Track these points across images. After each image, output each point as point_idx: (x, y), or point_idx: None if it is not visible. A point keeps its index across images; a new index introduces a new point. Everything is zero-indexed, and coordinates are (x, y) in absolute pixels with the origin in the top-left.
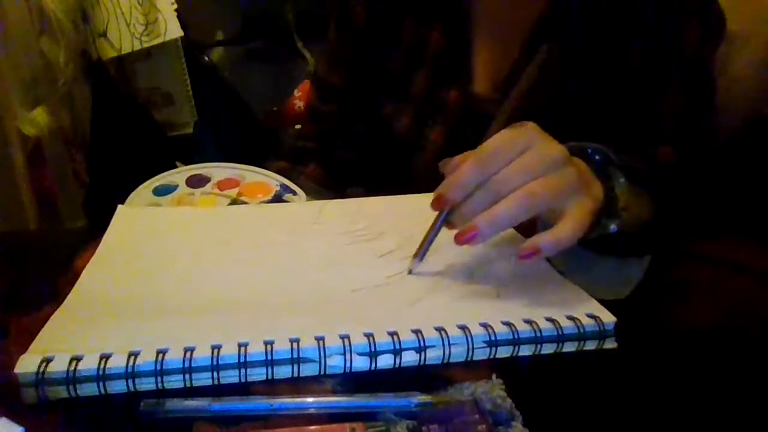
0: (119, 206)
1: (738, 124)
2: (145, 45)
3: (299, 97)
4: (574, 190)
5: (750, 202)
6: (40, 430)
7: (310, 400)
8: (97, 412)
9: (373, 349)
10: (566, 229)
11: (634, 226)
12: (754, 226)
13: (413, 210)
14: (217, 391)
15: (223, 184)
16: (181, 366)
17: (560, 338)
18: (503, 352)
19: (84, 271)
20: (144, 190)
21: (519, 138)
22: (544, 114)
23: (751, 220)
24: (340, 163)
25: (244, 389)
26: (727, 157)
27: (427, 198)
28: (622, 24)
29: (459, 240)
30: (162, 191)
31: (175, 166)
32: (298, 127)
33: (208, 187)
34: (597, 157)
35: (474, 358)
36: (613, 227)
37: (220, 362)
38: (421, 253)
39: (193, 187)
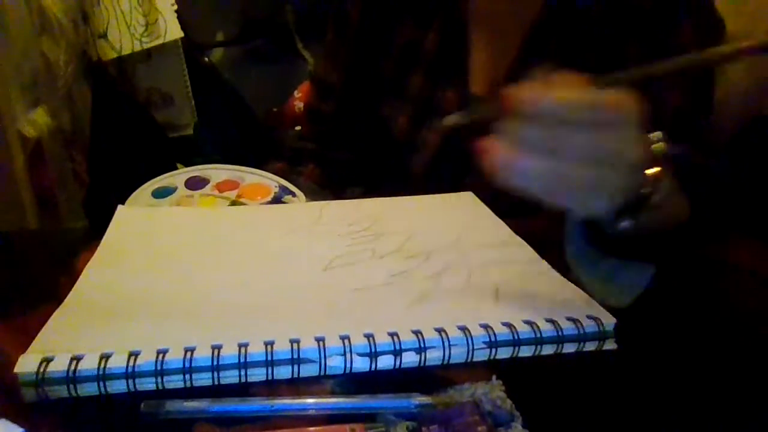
0: (119, 206)
1: (737, 125)
2: (146, 46)
3: (299, 97)
4: (607, 195)
5: (750, 203)
6: (40, 430)
7: (309, 401)
8: (97, 413)
9: (373, 350)
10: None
11: (660, 228)
12: (755, 227)
13: (413, 211)
14: (218, 392)
15: (223, 186)
16: (182, 366)
17: (560, 339)
18: (503, 353)
19: (84, 271)
20: (143, 193)
21: (613, 111)
22: None
23: (752, 221)
24: (338, 163)
25: (243, 390)
26: (727, 157)
27: (427, 199)
28: (618, 23)
29: (477, 149)
30: (161, 194)
31: (176, 167)
32: (298, 128)
33: (207, 188)
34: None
35: (474, 359)
36: (625, 223)
37: (220, 362)
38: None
39: (192, 189)
